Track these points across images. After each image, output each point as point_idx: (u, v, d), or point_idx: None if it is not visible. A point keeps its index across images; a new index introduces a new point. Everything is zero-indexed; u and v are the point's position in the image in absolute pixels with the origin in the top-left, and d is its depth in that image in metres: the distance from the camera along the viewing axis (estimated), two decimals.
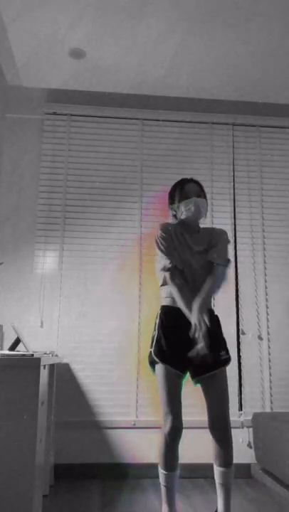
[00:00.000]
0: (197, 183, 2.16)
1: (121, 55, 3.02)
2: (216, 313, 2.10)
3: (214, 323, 2.01)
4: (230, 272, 3.21)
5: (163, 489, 1.92)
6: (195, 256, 2.05)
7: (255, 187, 3.40)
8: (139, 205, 3.28)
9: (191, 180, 2.16)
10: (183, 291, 1.99)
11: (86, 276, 3.14)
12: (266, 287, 3.24)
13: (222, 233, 2.17)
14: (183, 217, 2.10)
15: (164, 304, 2.07)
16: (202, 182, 3.31)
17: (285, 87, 3.36)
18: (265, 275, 3.25)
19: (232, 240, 3.27)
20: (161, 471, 1.92)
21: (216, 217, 3.31)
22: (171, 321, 2.00)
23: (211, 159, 3.42)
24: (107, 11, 2.64)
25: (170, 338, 1.97)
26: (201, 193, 2.12)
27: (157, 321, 2.05)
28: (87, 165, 3.32)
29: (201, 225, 2.20)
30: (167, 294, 2.06)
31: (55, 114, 3.36)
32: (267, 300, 3.22)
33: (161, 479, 1.92)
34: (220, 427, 1.94)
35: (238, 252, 3.27)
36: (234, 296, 3.19)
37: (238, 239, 3.29)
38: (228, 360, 2.00)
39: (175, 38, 2.85)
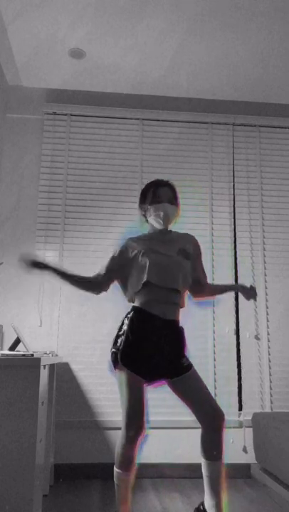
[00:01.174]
0: (172, 187, 2.11)
1: (121, 55, 3.02)
2: (181, 325, 2.05)
3: (179, 333, 2.01)
4: (230, 272, 3.23)
5: (119, 490, 1.90)
6: (165, 257, 2.01)
7: (254, 187, 3.40)
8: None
9: (167, 184, 2.11)
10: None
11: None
12: (266, 287, 3.24)
13: (197, 245, 2.16)
14: (151, 220, 2.10)
15: (137, 305, 2.02)
16: (202, 182, 3.36)
17: (285, 87, 3.36)
18: (265, 275, 3.26)
19: (232, 240, 3.28)
20: (120, 472, 1.89)
21: (215, 217, 3.31)
22: (142, 323, 1.95)
23: (211, 159, 3.42)
24: (107, 11, 2.64)
25: (139, 342, 1.92)
26: (173, 199, 2.08)
27: (126, 321, 1.99)
28: (87, 165, 3.33)
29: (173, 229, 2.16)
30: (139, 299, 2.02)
31: (55, 114, 3.36)
32: (266, 300, 3.22)
33: (118, 480, 1.90)
34: (219, 415, 1.90)
35: (237, 252, 3.27)
36: (233, 296, 3.19)
37: (237, 239, 3.29)
38: (190, 366, 1.96)
39: (175, 38, 2.85)
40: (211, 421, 1.91)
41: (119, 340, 1.96)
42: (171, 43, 2.91)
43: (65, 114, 3.37)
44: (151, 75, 3.24)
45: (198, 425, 1.97)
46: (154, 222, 2.08)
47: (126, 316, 2.02)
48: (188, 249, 2.07)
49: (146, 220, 2.14)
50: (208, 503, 1.89)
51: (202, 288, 2.15)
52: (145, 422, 1.87)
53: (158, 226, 2.08)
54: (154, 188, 2.08)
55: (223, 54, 3.00)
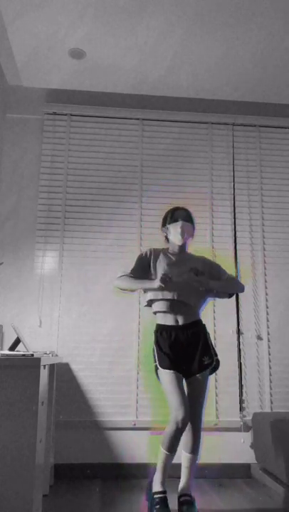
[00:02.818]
0: (187, 211, 2.47)
1: (121, 55, 3.02)
2: (204, 322, 2.42)
3: (201, 330, 2.35)
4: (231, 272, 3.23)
5: (161, 466, 2.23)
6: (178, 272, 2.35)
7: (255, 187, 3.40)
8: (139, 205, 3.29)
9: (182, 208, 2.48)
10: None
11: (86, 276, 3.15)
12: (266, 287, 3.24)
13: (208, 261, 2.50)
14: (171, 238, 2.46)
15: (157, 322, 2.39)
16: (202, 182, 3.37)
17: (285, 87, 3.36)
18: (265, 275, 3.25)
19: (232, 240, 3.28)
20: (165, 453, 2.22)
21: (215, 217, 3.31)
22: (163, 338, 2.33)
23: (211, 159, 3.42)
24: (107, 11, 2.64)
25: (165, 349, 2.30)
26: (188, 218, 2.44)
27: (154, 338, 2.38)
28: (87, 165, 3.33)
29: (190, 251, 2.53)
30: (156, 309, 2.39)
31: (55, 114, 3.36)
32: (267, 300, 3.22)
33: (163, 458, 2.23)
34: (194, 420, 2.26)
35: (237, 252, 3.27)
36: (234, 296, 3.19)
37: (237, 239, 3.29)
38: (210, 364, 2.31)
39: (175, 38, 2.85)
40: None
41: (154, 354, 2.35)
42: (171, 43, 2.91)
43: (65, 114, 3.37)
44: (152, 74, 3.24)
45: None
46: (174, 239, 2.44)
47: (154, 333, 2.39)
48: (199, 268, 2.36)
49: (168, 241, 2.51)
50: (181, 486, 2.28)
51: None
52: (187, 411, 2.17)
53: (177, 242, 2.44)
54: (172, 211, 2.47)
55: (223, 54, 3.00)
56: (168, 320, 2.33)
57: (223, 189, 3.37)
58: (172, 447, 2.21)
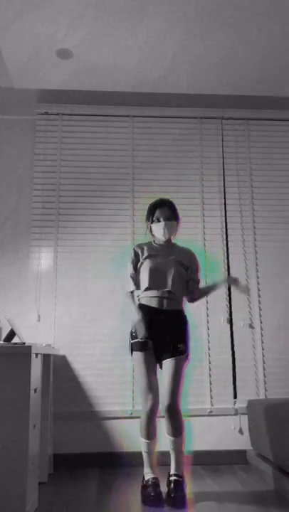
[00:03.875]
0: (170, 206, 2.49)
1: (121, 55, 3.04)
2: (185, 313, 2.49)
3: (178, 321, 2.41)
4: (221, 261, 3.28)
5: (145, 455, 2.30)
6: (165, 262, 2.43)
7: (244, 179, 3.44)
8: (131, 200, 3.34)
9: (165, 204, 2.49)
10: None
11: (83, 275, 3.20)
12: (257, 276, 3.28)
13: (193, 258, 2.54)
14: (154, 233, 2.51)
15: (141, 302, 2.44)
16: (192, 176, 3.41)
17: (285, 87, 3.41)
18: (257, 265, 3.30)
19: (223, 232, 3.33)
20: (144, 441, 2.28)
21: (206, 210, 3.36)
22: (144, 315, 2.38)
23: (201, 153, 3.46)
24: (107, 11, 2.65)
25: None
26: (170, 217, 2.46)
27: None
28: (80, 162, 3.39)
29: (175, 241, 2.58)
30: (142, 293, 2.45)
31: (47, 114, 3.43)
32: (258, 289, 3.26)
33: (144, 447, 2.29)
34: (170, 404, 2.27)
35: (229, 243, 3.31)
36: (226, 286, 3.23)
37: (228, 230, 3.34)
38: (184, 352, 2.34)
39: (175, 38, 2.87)
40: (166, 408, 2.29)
41: (131, 334, 2.40)
42: (171, 43, 2.93)
43: (57, 114, 3.43)
44: (151, 74, 3.29)
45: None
46: (158, 235, 2.49)
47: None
48: (184, 261, 2.47)
49: (152, 233, 2.54)
50: (172, 470, 2.29)
51: (192, 294, 2.52)
52: (155, 397, 2.26)
53: (161, 239, 2.49)
54: (154, 208, 2.49)
55: (223, 54, 3.03)
56: (153, 303, 2.39)
57: (213, 182, 3.43)
58: (148, 434, 2.26)
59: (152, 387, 2.26)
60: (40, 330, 3.10)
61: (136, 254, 2.51)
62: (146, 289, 2.41)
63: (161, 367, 2.37)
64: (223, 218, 3.36)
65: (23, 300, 3.14)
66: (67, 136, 3.43)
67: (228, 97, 3.58)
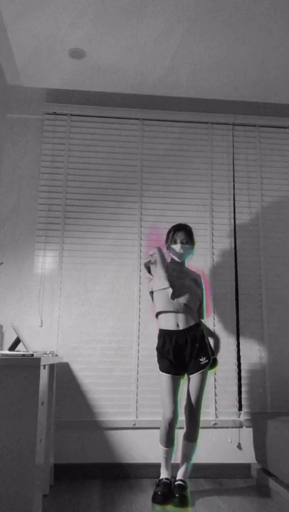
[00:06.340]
0: (187, 231, 2.73)
1: (121, 55, 3.02)
2: (201, 326, 2.69)
3: (195, 338, 2.59)
4: (230, 271, 3.24)
5: (162, 459, 2.58)
6: (178, 281, 2.66)
7: (254, 187, 3.40)
8: (139, 205, 3.29)
9: (184, 228, 2.74)
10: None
11: (86, 276, 3.15)
12: (266, 287, 3.24)
13: (203, 279, 2.80)
14: (171, 253, 2.75)
15: (160, 327, 2.68)
16: (202, 182, 3.36)
17: (285, 87, 3.36)
18: (265, 275, 3.25)
19: (232, 240, 3.29)
20: (163, 448, 2.56)
21: (215, 217, 3.31)
22: (162, 343, 2.64)
23: (211, 159, 3.42)
24: (107, 11, 2.64)
25: (165, 354, 2.61)
26: (188, 240, 2.71)
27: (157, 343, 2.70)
28: (87, 165, 3.33)
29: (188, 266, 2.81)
30: (158, 309, 2.68)
31: (55, 114, 3.36)
32: (266, 300, 3.21)
33: (162, 453, 2.57)
34: (190, 411, 2.57)
35: (237, 252, 3.27)
36: (234, 297, 3.19)
37: (237, 238, 3.29)
38: (207, 364, 2.59)
39: (175, 38, 2.85)
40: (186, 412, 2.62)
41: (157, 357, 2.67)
42: (171, 43, 2.91)
43: (65, 114, 3.37)
44: (152, 75, 3.24)
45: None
46: (174, 256, 2.74)
47: (158, 338, 2.70)
48: (197, 280, 2.75)
49: (170, 254, 2.77)
50: (178, 472, 2.59)
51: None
52: (175, 411, 2.52)
53: (177, 259, 2.75)
54: (173, 231, 2.74)
55: (223, 54, 3.00)
56: (169, 324, 2.61)
57: (223, 189, 3.37)
58: (167, 442, 2.53)
59: (174, 401, 2.52)
60: (42, 335, 3.03)
61: (161, 252, 2.67)
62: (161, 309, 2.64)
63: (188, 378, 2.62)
64: (232, 226, 3.31)
65: (26, 306, 3.07)
66: (75, 137, 3.36)
67: (236, 102, 3.52)
